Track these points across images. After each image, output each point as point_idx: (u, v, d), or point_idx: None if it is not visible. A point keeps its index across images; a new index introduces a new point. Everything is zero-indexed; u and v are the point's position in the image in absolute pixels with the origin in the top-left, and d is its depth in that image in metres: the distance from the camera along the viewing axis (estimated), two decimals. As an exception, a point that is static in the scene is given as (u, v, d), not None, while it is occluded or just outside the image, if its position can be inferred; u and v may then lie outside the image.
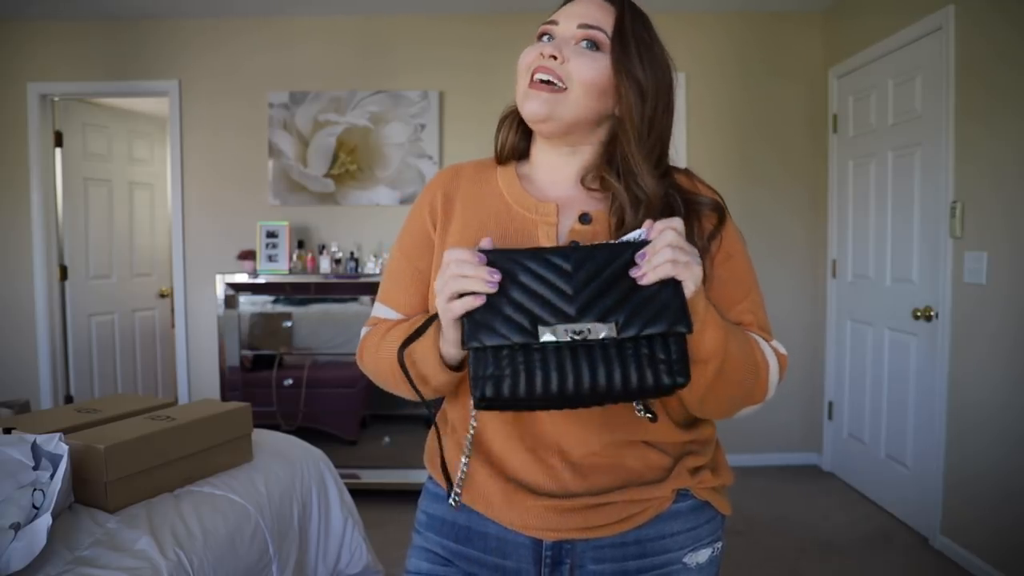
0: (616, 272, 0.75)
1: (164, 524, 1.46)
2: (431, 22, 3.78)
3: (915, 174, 2.98)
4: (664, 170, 0.93)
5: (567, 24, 0.91)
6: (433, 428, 0.96)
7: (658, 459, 0.92)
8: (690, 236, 0.86)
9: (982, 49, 2.55)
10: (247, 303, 3.54)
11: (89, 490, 1.48)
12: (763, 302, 0.98)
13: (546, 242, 0.91)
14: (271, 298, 3.58)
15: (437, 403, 0.95)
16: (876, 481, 3.31)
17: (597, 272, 0.75)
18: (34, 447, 1.38)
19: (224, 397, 3.48)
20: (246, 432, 1.85)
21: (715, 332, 0.81)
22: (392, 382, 0.94)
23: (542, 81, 0.88)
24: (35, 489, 1.31)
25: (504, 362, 0.74)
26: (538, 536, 0.90)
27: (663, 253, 0.74)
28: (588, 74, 0.88)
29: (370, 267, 3.64)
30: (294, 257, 3.65)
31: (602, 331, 0.74)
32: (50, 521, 1.25)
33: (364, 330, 1.02)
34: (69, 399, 3.99)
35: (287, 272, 3.56)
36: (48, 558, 1.26)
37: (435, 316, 0.83)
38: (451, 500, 0.92)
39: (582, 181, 0.95)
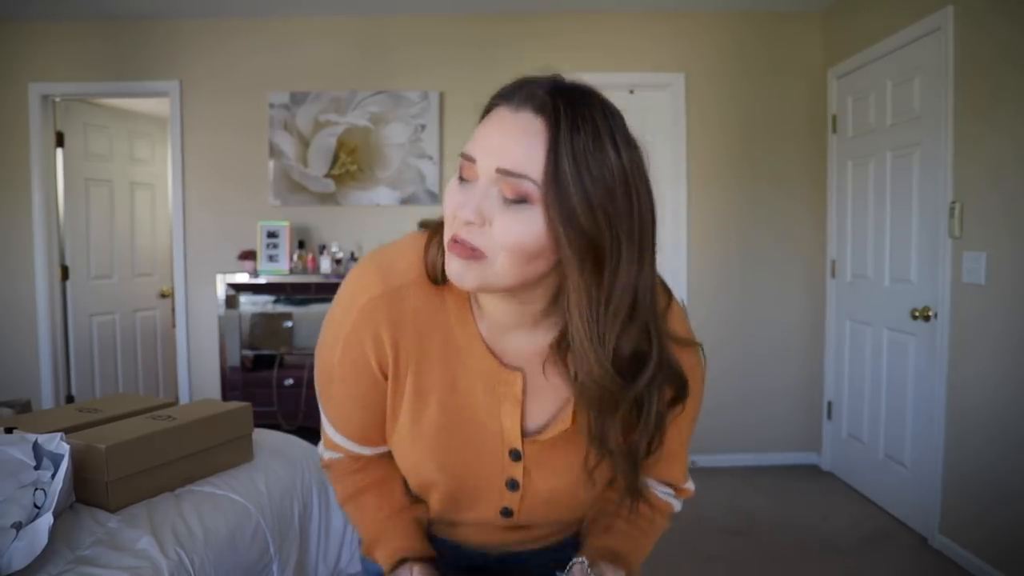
0: None
1: (165, 523, 1.46)
2: (431, 22, 3.78)
3: (914, 174, 2.98)
4: (641, 325, 0.75)
5: (485, 163, 0.70)
6: None
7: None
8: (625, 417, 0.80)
9: (981, 49, 2.56)
10: (248, 303, 3.55)
11: (90, 489, 1.48)
12: (688, 443, 0.96)
13: (510, 420, 0.85)
14: (272, 298, 3.59)
15: None
16: (875, 481, 3.31)
17: None
18: (35, 447, 1.39)
19: (225, 397, 3.49)
20: (247, 432, 1.85)
21: None
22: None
23: (464, 244, 0.73)
24: (36, 488, 1.32)
25: None
26: (485, 550, 1.02)
27: None
28: (512, 238, 0.70)
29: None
30: (295, 257, 3.65)
31: None
32: (51, 520, 1.26)
33: (326, 454, 0.98)
34: (70, 399, 4.00)
35: (287, 272, 3.56)
36: (49, 557, 1.26)
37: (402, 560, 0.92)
38: None
39: (552, 346, 0.82)
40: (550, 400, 0.86)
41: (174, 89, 3.80)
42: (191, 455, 1.67)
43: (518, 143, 0.69)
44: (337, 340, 0.85)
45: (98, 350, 4.16)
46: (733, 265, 3.81)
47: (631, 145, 0.71)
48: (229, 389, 3.49)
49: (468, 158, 0.72)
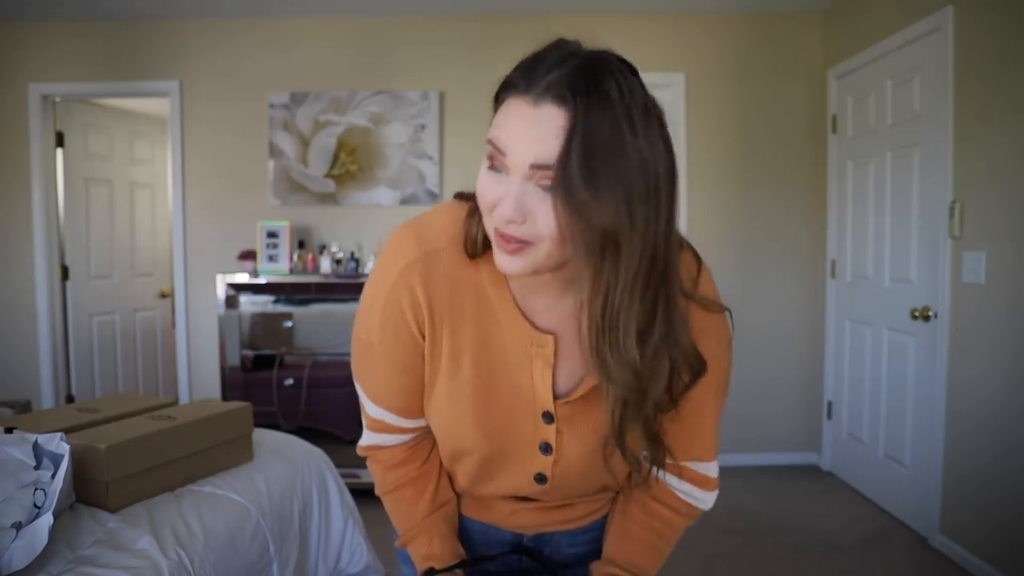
0: None
1: (165, 523, 1.46)
2: (431, 23, 3.78)
3: (914, 174, 2.99)
4: (665, 298, 0.75)
5: (516, 160, 0.71)
6: None
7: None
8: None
9: (981, 50, 2.56)
10: (248, 303, 3.54)
11: (90, 489, 1.48)
12: (717, 424, 0.93)
13: (541, 383, 0.87)
14: (272, 298, 3.59)
15: None
16: (875, 481, 3.32)
17: None
18: (35, 447, 1.39)
19: (225, 397, 3.48)
20: (247, 432, 1.85)
21: None
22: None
23: (510, 239, 0.74)
24: (36, 488, 1.32)
25: None
26: (520, 531, 1.02)
27: None
28: (551, 229, 0.71)
29: (370, 267, 3.64)
30: (295, 257, 3.65)
31: None
32: (51, 520, 1.26)
33: (368, 439, 0.98)
34: (70, 399, 4.00)
35: (288, 272, 3.56)
36: (49, 557, 1.26)
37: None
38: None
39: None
40: (579, 361, 0.86)
41: (174, 89, 3.80)
42: (191, 455, 1.67)
43: (546, 137, 0.68)
44: (375, 304, 0.87)
45: (98, 350, 4.17)
46: (733, 265, 3.81)
47: (648, 115, 0.70)
48: (229, 389, 3.49)
49: (500, 151, 0.72)
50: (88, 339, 4.10)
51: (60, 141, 3.91)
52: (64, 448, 1.39)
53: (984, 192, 2.55)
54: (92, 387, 4.13)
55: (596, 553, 1.03)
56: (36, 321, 3.86)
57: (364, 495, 2.95)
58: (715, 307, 0.86)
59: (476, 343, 0.86)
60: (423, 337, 0.87)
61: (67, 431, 1.55)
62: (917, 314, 2.90)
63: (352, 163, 3.78)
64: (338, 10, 3.74)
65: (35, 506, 1.30)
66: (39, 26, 3.77)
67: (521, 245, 0.74)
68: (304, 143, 3.78)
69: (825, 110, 3.73)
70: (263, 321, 3.59)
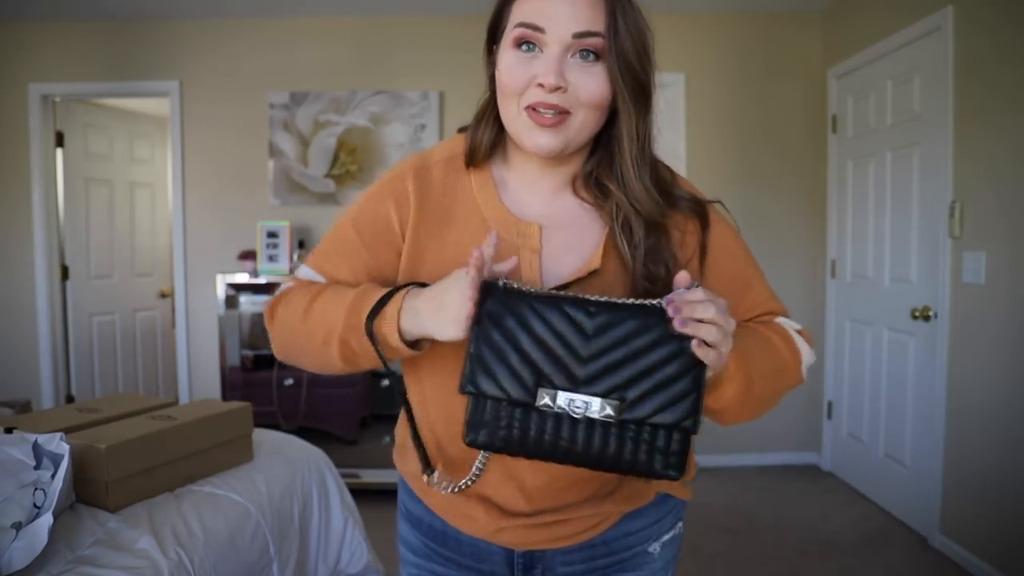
0: (639, 347, 0.72)
1: (165, 523, 1.46)
2: (431, 23, 3.78)
3: (914, 174, 2.99)
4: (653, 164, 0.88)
5: (558, 31, 0.78)
6: (404, 411, 0.91)
7: (633, 479, 0.94)
8: (666, 249, 0.86)
9: (981, 49, 2.56)
10: (248, 303, 3.54)
11: (90, 489, 1.48)
12: (767, 283, 0.99)
13: (528, 271, 0.86)
14: (272, 298, 3.58)
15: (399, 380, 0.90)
16: (875, 480, 3.32)
17: (619, 342, 0.72)
18: (35, 447, 1.39)
19: (225, 397, 3.49)
20: (247, 432, 1.85)
21: (736, 386, 0.81)
22: (310, 348, 0.90)
23: (549, 115, 0.80)
24: (36, 488, 1.32)
25: (501, 414, 0.75)
26: (510, 547, 0.94)
27: (708, 309, 0.70)
28: (595, 94, 0.80)
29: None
30: (295, 257, 3.65)
31: (604, 409, 0.73)
32: (51, 520, 1.26)
33: (284, 285, 0.99)
34: (70, 399, 4.00)
35: (288, 272, 3.56)
36: (49, 557, 1.26)
37: (399, 288, 0.83)
38: (425, 477, 0.85)
39: (573, 187, 0.89)
40: (574, 251, 0.87)
41: (174, 89, 3.80)
42: (191, 455, 1.67)
43: (585, 8, 0.78)
44: (367, 194, 0.94)
45: (98, 350, 4.17)
46: (733, 265, 3.80)
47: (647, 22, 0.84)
48: (229, 389, 3.49)
49: (536, 27, 0.79)
50: (88, 339, 4.10)
51: (60, 141, 3.91)
52: (64, 448, 1.39)
53: (984, 192, 2.55)
54: (92, 387, 4.13)
55: (592, 574, 0.95)
56: (36, 321, 3.86)
57: (364, 495, 2.96)
58: (707, 200, 0.94)
59: (465, 238, 0.87)
60: (402, 236, 0.89)
61: (67, 431, 1.55)
62: (917, 314, 2.90)
63: (352, 163, 3.78)
64: (338, 10, 3.74)
65: (35, 506, 1.30)
66: (39, 26, 3.77)
67: (560, 118, 0.79)
68: (304, 143, 3.78)
69: (825, 110, 3.74)
70: (263, 321, 3.59)
